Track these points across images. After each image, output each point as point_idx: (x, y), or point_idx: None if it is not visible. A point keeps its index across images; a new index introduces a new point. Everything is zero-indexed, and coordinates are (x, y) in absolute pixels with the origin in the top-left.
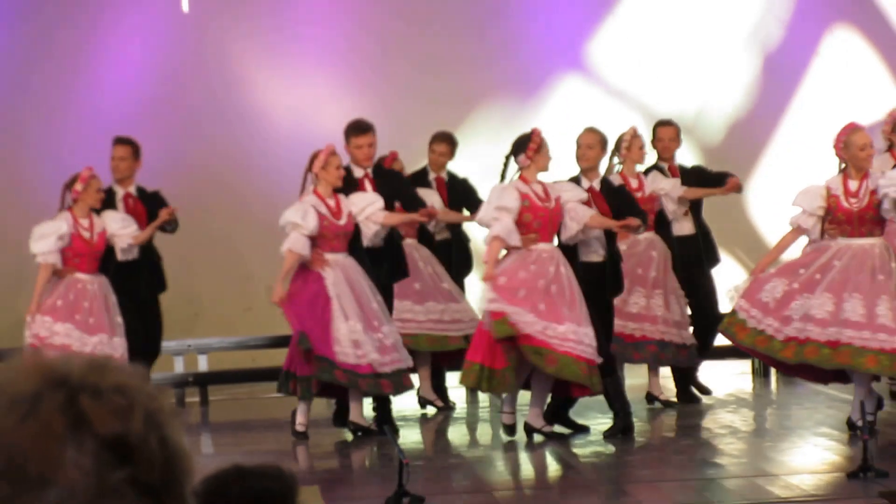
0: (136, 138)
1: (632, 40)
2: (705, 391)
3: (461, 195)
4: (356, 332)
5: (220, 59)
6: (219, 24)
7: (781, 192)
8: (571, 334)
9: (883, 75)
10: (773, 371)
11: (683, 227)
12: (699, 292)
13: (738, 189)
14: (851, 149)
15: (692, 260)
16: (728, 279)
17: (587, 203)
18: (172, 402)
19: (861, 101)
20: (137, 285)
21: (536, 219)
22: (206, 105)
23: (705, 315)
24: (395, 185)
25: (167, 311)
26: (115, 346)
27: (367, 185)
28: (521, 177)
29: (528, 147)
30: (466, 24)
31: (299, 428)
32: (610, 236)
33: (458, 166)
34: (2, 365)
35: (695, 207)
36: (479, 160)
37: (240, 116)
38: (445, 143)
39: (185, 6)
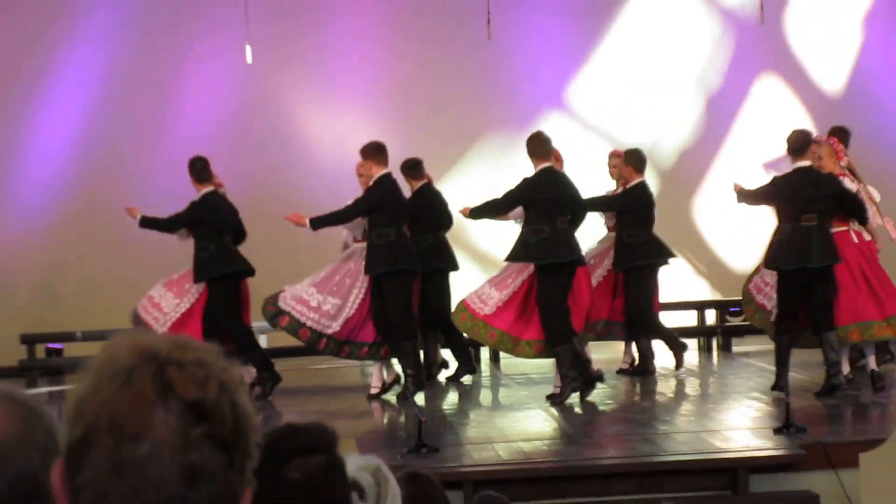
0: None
1: (602, 85)
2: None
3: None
4: None
5: (276, 99)
6: (275, 73)
7: (721, 206)
8: None
9: (801, 113)
10: (714, 347)
11: None
12: None
13: None
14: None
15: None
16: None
17: None
18: (240, 372)
19: (783, 134)
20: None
21: None
22: (266, 135)
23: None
24: None
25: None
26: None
27: None
28: None
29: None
30: (470, 74)
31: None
32: None
33: (463, 187)
34: (105, 343)
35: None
36: (480, 183)
37: (292, 145)
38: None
39: (249, 58)
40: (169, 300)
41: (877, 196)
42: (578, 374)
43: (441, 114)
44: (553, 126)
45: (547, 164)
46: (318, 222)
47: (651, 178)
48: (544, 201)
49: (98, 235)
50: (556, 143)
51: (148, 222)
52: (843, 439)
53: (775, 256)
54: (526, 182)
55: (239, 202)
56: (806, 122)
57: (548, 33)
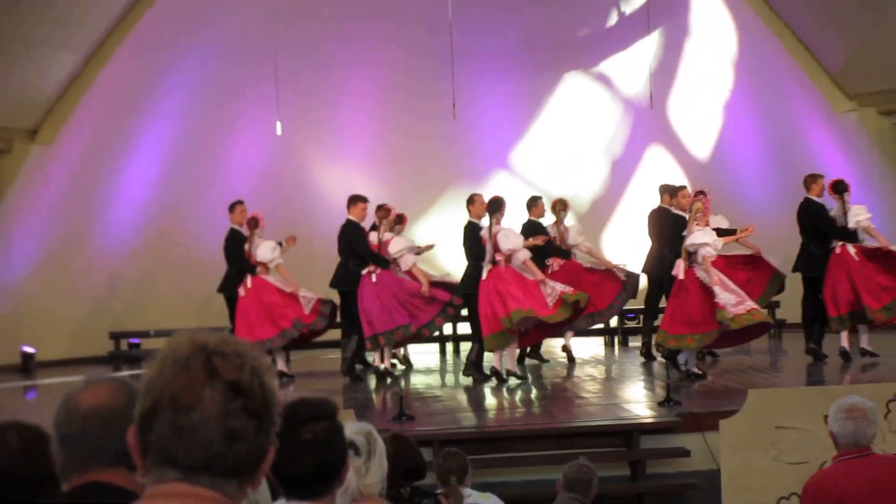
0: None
1: (537, 151)
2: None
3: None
4: None
5: (298, 161)
6: (298, 142)
7: (621, 240)
8: None
9: (679, 173)
10: (616, 343)
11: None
12: None
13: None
14: (693, 211)
15: None
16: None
17: None
18: (268, 360)
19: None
20: None
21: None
22: (291, 189)
23: None
24: None
25: None
26: None
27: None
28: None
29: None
30: (440, 141)
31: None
32: None
33: (436, 226)
34: (170, 338)
35: None
36: (449, 222)
37: (310, 196)
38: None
39: (279, 130)
40: None
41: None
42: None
43: (418, 171)
44: (500, 181)
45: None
46: None
47: (571, 220)
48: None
49: (168, 259)
50: (503, 194)
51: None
52: (707, 410)
53: None
54: None
55: (269, 237)
56: (682, 180)
57: (497, 112)
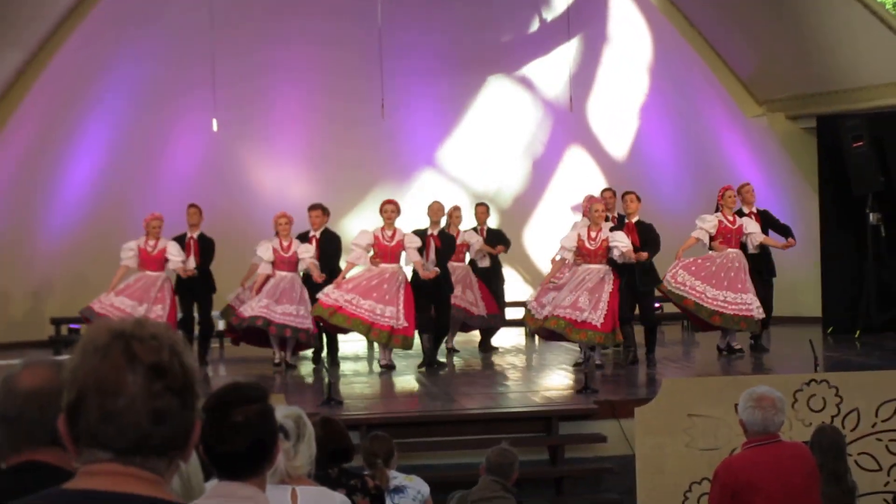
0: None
1: (461, 150)
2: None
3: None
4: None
5: (234, 157)
6: (234, 138)
7: (543, 236)
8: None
9: (597, 172)
10: (535, 335)
11: (485, 261)
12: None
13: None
14: (591, 212)
15: (492, 277)
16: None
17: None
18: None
19: (585, 186)
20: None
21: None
22: (228, 183)
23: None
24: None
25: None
26: (157, 311)
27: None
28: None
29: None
30: (368, 141)
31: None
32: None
33: (362, 223)
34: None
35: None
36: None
37: (246, 189)
38: (320, 209)
39: (215, 127)
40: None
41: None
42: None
43: (348, 168)
44: (426, 178)
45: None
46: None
47: (494, 216)
48: None
49: (109, 248)
50: (427, 192)
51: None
52: (623, 398)
53: None
54: None
55: (209, 229)
56: (600, 178)
57: (424, 113)
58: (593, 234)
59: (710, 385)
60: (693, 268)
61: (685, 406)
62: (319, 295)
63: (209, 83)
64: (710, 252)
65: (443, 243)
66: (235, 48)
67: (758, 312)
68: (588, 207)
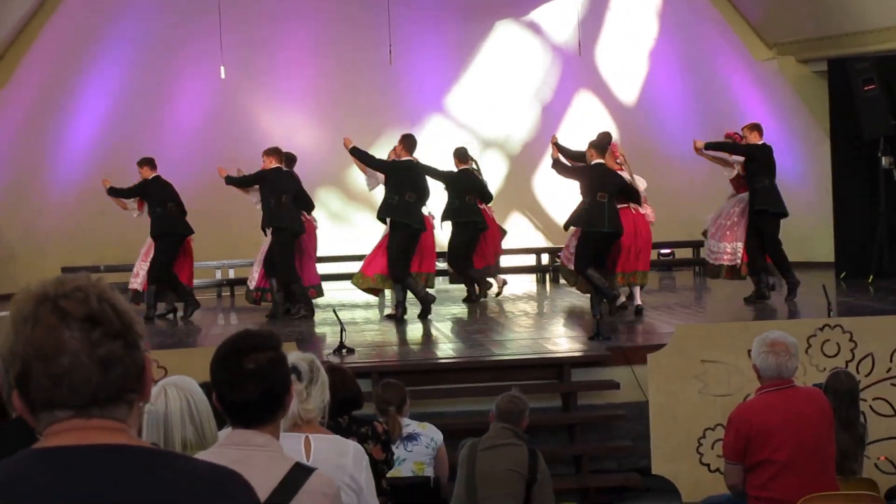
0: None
1: (470, 96)
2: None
3: None
4: None
5: (242, 104)
6: (241, 85)
7: (551, 181)
8: None
9: (606, 117)
10: (547, 280)
11: None
12: None
13: None
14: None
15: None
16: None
17: None
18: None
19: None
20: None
21: None
22: (235, 130)
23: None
24: None
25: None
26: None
27: None
28: None
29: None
30: (376, 86)
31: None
32: None
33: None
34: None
35: None
36: None
37: (253, 136)
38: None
39: (223, 74)
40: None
41: (643, 184)
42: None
43: (356, 115)
44: (435, 124)
45: (409, 158)
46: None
47: (503, 162)
48: (397, 178)
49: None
50: (436, 138)
51: (113, 191)
52: (636, 344)
53: (580, 221)
54: (391, 163)
55: (213, 180)
56: (609, 124)
57: (432, 59)
58: None
59: (723, 331)
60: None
61: (698, 352)
62: None
63: (216, 31)
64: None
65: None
66: None
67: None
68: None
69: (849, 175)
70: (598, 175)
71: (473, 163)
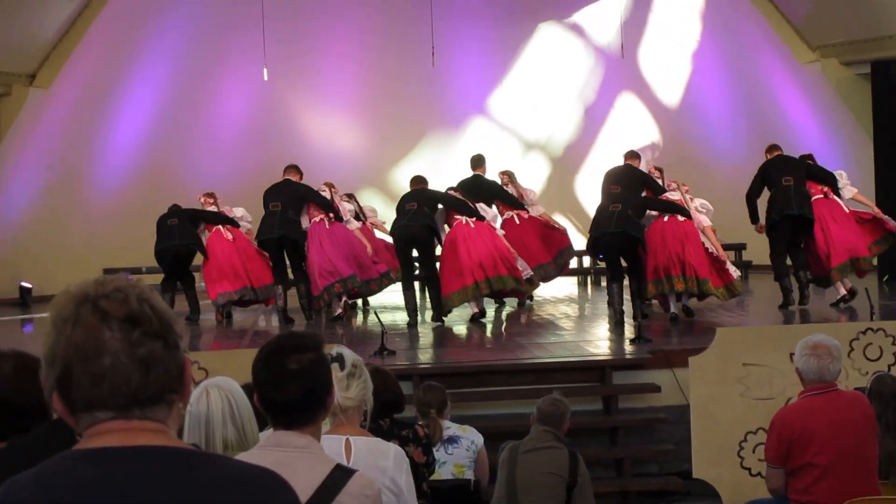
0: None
1: (512, 98)
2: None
3: None
4: None
5: (284, 106)
6: (284, 87)
7: (594, 183)
8: None
9: (649, 119)
10: (589, 283)
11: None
12: None
13: None
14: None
15: None
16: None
17: None
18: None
19: (637, 134)
20: None
21: None
22: (277, 133)
23: None
24: None
25: None
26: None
27: None
28: None
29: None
30: (419, 89)
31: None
32: None
33: (414, 169)
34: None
35: None
36: (426, 166)
37: (295, 140)
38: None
39: (265, 76)
40: None
41: (705, 220)
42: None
43: (398, 117)
44: (477, 126)
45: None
46: None
47: (545, 164)
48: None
49: (158, 198)
50: (479, 140)
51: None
52: (677, 347)
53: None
54: None
55: (255, 181)
56: (652, 126)
57: (475, 62)
58: None
59: (765, 334)
60: None
61: (740, 355)
62: None
63: (259, 32)
64: None
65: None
66: None
67: None
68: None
69: (891, 177)
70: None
71: (510, 172)
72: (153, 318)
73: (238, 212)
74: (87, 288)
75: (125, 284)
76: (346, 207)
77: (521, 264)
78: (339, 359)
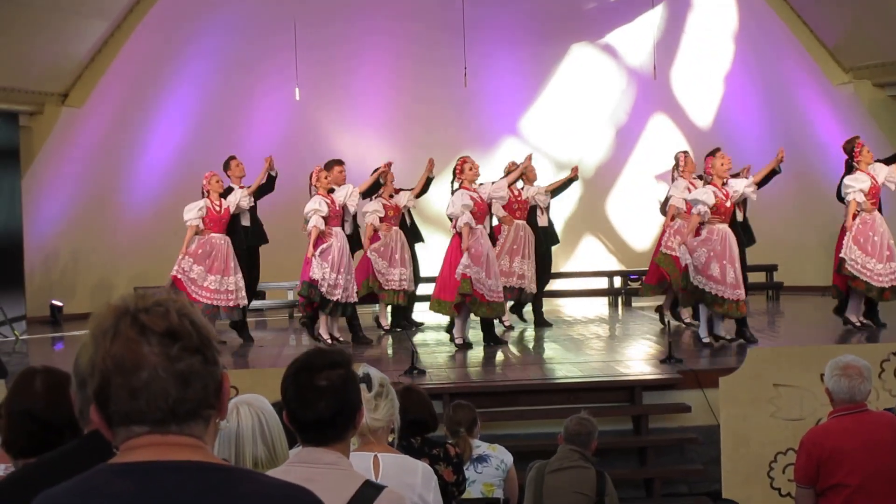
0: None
1: (544, 118)
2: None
3: None
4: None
5: (316, 126)
6: (316, 106)
7: (625, 204)
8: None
9: (681, 141)
10: (619, 303)
11: (542, 220)
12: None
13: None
14: (717, 167)
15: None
16: (592, 251)
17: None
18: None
19: (669, 157)
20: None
21: (479, 211)
22: (308, 151)
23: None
24: None
25: (281, 264)
26: (230, 282)
27: None
28: (462, 186)
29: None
30: (451, 107)
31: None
32: None
33: (441, 193)
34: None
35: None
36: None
37: (326, 157)
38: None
39: (297, 96)
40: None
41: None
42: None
43: (430, 137)
44: (509, 147)
45: None
46: None
47: (576, 185)
48: None
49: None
50: (510, 159)
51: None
52: (708, 367)
53: None
54: None
55: (285, 201)
56: (684, 147)
57: (507, 81)
58: (722, 192)
59: (795, 355)
60: (861, 239)
61: (770, 376)
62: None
63: (291, 52)
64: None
65: None
66: (317, 17)
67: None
68: (712, 163)
69: None
70: None
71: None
72: (193, 334)
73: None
74: (128, 301)
75: (166, 298)
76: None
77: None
78: (367, 379)
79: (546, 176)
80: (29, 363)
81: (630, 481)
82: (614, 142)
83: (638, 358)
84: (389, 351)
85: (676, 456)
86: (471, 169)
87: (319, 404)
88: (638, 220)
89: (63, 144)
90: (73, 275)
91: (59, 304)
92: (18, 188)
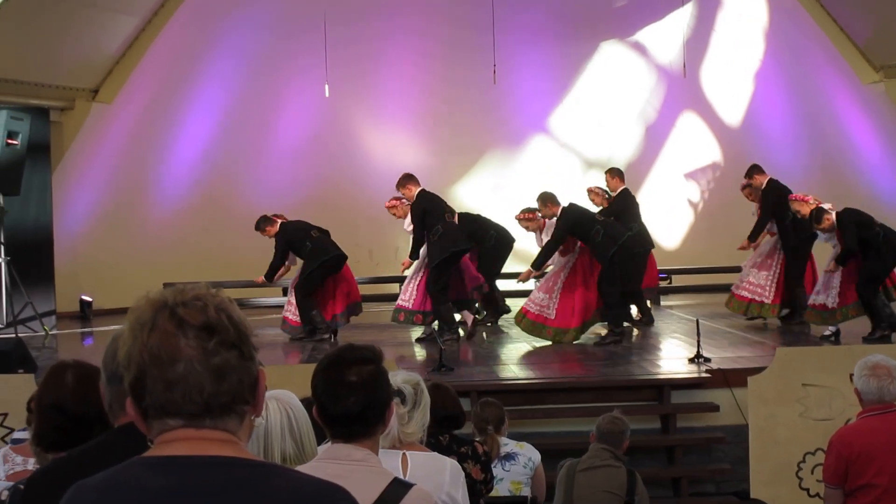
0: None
1: (573, 116)
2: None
3: None
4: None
5: (345, 123)
6: (345, 104)
7: (655, 202)
8: None
9: (711, 139)
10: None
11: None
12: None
13: None
14: None
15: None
16: None
17: None
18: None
19: (699, 153)
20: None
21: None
22: (338, 149)
23: None
24: None
25: None
26: None
27: None
28: None
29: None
30: (480, 106)
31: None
32: None
33: (475, 186)
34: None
35: None
36: (486, 182)
37: (356, 156)
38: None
39: (327, 93)
40: None
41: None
42: None
43: (459, 134)
44: (538, 144)
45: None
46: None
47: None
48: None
49: (218, 215)
50: (539, 157)
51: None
52: (736, 366)
53: None
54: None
55: (315, 198)
56: (713, 146)
57: (536, 79)
58: None
59: (824, 354)
60: None
61: (799, 375)
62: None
63: (321, 49)
64: None
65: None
66: (347, 14)
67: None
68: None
69: None
70: None
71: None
72: (230, 328)
73: None
74: (167, 295)
75: (205, 293)
76: None
77: None
78: (400, 394)
79: (575, 174)
80: (58, 358)
81: (657, 480)
82: (643, 140)
83: (666, 356)
84: (416, 349)
85: (704, 455)
86: None
87: (349, 399)
88: (668, 217)
89: (93, 140)
90: (103, 270)
91: (89, 299)
92: (49, 183)
